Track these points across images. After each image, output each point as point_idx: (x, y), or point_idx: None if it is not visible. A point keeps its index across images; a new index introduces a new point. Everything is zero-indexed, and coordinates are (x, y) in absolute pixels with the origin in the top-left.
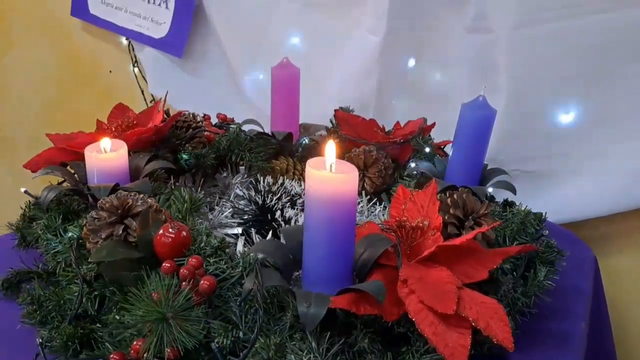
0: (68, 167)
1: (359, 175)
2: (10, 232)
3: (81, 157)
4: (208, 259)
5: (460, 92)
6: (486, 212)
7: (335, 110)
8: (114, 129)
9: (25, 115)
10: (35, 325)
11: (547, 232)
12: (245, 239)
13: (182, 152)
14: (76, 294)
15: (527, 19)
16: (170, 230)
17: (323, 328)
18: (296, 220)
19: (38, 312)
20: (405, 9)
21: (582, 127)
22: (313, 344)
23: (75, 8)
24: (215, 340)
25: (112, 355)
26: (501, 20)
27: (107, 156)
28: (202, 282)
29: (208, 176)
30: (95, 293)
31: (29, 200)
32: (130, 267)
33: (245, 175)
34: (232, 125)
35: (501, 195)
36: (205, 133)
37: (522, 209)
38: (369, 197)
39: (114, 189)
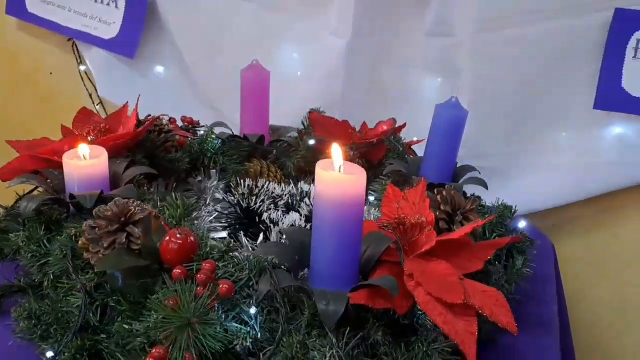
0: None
1: None
2: None
3: (53, 165)
4: (217, 263)
5: (421, 94)
6: (472, 207)
7: (309, 112)
8: (86, 135)
9: None
10: (35, 341)
11: (525, 224)
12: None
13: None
14: (76, 305)
15: (487, 24)
16: (178, 235)
17: (338, 324)
18: (281, 222)
19: (38, 327)
20: (370, 14)
21: (537, 126)
22: (334, 340)
23: (11, 6)
24: (235, 343)
25: None
26: (462, 25)
27: (88, 163)
28: (221, 286)
29: (180, 181)
30: (97, 303)
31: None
32: (137, 275)
33: (219, 179)
34: (199, 129)
35: (469, 190)
36: (177, 137)
37: (499, 203)
38: None
39: (100, 197)
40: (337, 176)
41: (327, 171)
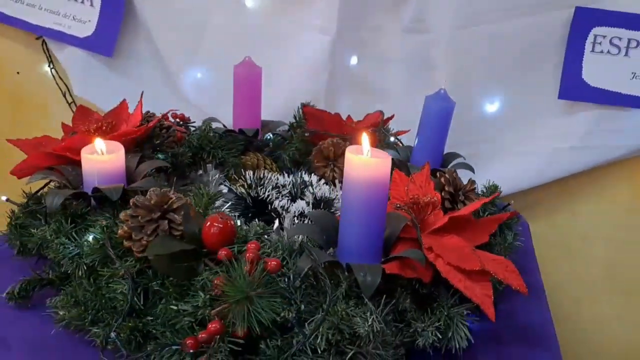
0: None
1: (330, 165)
2: None
3: (66, 161)
4: None
5: (399, 88)
6: (472, 188)
7: (301, 106)
8: (93, 132)
9: None
10: (85, 327)
11: (513, 202)
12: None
13: (158, 151)
14: (119, 291)
15: (462, 22)
16: (220, 219)
17: (372, 294)
18: (288, 208)
19: (88, 313)
20: (352, 11)
21: (507, 116)
22: (372, 307)
23: None
24: (281, 315)
25: (187, 341)
26: (439, 22)
27: (107, 158)
28: (269, 262)
29: (179, 175)
30: (139, 288)
31: (12, 209)
32: (182, 259)
33: (218, 173)
34: (190, 124)
35: None
36: (176, 132)
37: (489, 184)
38: (341, 185)
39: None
40: (366, 159)
41: (357, 155)
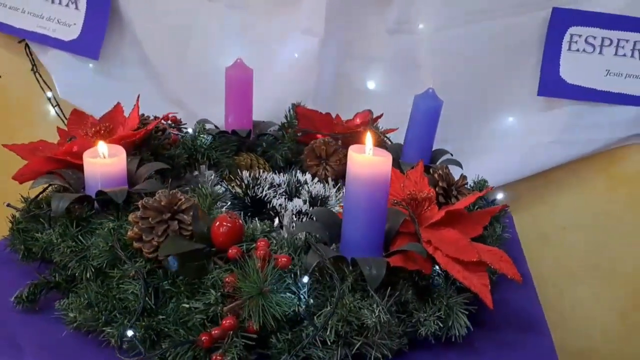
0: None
1: (322, 164)
2: None
3: (67, 165)
4: None
5: (385, 87)
6: (464, 183)
7: (292, 106)
8: (91, 135)
9: None
10: (99, 327)
11: (502, 195)
12: None
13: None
14: (130, 291)
15: (446, 23)
16: (229, 218)
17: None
18: (286, 207)
19: (102, 314)
20: (339, 12)
21: (489, 113)
22: (378, 299)
23: None
24: (291, 309)
25: (202, 337)
26: (422, 23)
27: (110, 161)
28: (279, 259)
29: (174, 176)
30: (149, 288)
31: (13, 214)
32: (192, 258)
33: (213, 174)
34: (183, 126)
35: None
36: (171, 135)
37: (478, 179)
38: (334, 182)
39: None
40: (369, 158)
41: (360, 154)
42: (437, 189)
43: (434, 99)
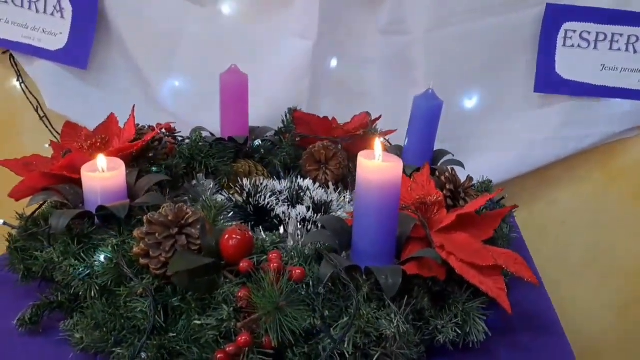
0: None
1: (322, 169)
2: None
3: (63, 180)
4: None
5: (380, 89)
6: (471, 185)
7: (293, 112)
8: (87, 148)
9: None
10: (109, 348)
11: (507, 195)
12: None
13: (153, 164)
14: (138, 309)
15: (439, 22)
16: (239, 231)
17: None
18: (290, 214)
19: (111, 334)
20: (331, 15)
21: (485, 111)
22: (395, 308)
23: None
24: (307, 322)
25: (218, 355)
26: (415, 24)
27: (110, 175)
28: (294, 271)
29: (172, 185)
30: (159, 305)
31: (10, 232)
32: (202, 273)
33: (212, 182)
34: (177, 135)
35: None
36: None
37: (483, 179)
38: (335, 187)
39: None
40: (379, 164)
41: (370, 160)
42: (444, 192)
43: (434, 99)
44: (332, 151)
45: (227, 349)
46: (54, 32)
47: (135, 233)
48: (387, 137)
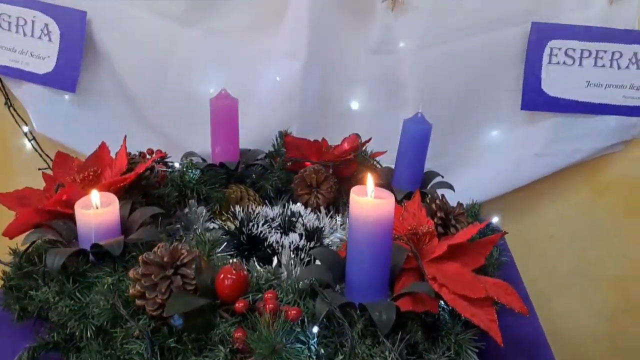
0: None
1: (313, 192)
2: None
3: (56, 216)
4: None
5: (370, 109)
6: (462, 211)
7: (283, 135)
8: (79, 181)
9: None
10: None
11: (497, 219)
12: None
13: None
14: (135, 351)
15: (427, 41)
16: (234, 270)
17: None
18: (282, 243)
19: None
20: (320, 35)
21: (473, 128)
22: (389, 345)
23: None
24: None
25: None
26: (404, 43)
27: (103, 211)
28: (289, 312)
29: (165, 214)
30: (155, 347)
31: (4, 270)
32: (198, 313)
33: (204, 210)
34: (168, 161)
35: None
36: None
37: (472, 202)
38: (326, 210)
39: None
40: (372, 201)
41: (362, 197)
42: (435, 220)
43: (423, 123)
44: (323, 175)
45: None
46: (42, 56)
47: (131, 274)
48: (377, 159)
